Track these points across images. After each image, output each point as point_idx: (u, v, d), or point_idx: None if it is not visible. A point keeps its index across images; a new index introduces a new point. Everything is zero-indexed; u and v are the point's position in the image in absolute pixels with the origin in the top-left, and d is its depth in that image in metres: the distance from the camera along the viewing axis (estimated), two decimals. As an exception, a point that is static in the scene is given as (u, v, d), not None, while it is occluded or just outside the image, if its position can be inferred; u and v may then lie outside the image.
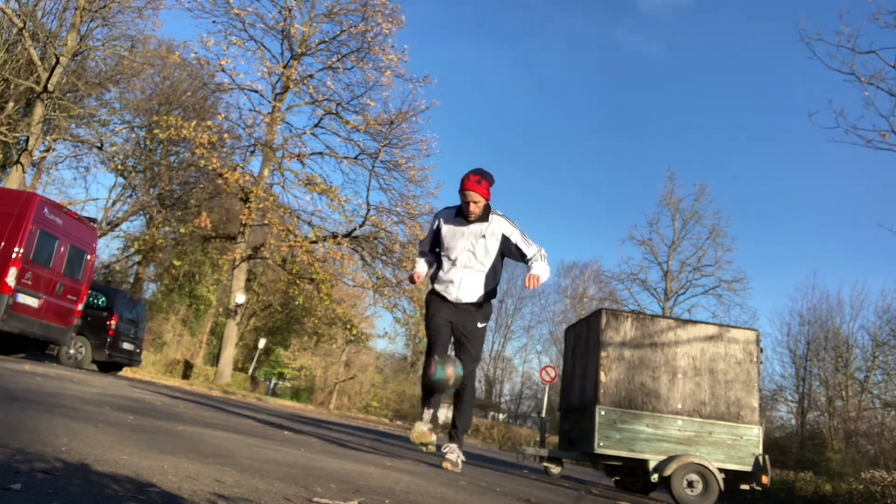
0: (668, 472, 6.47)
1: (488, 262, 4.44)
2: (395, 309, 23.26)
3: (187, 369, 24.99)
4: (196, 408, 5.90)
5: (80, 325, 11.55)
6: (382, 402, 38.13)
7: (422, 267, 4.76)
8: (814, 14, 47.21)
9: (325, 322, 24.71)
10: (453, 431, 4.48)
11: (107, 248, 28.54)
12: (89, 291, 12.06)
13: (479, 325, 4.46)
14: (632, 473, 7.56)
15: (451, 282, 4.43)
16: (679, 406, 6.87)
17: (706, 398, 6.92)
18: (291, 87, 22.39)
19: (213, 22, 24.42)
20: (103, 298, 13.56)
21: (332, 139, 23.14)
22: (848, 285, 67.31)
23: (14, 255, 9.39)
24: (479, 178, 4.31)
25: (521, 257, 4.48)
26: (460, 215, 4.46)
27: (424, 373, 4.28)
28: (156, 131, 20.88)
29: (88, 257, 11.21)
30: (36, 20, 19.10)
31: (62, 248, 10.45)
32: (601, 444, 6.68)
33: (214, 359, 28.10)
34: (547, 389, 23.63)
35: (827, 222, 52.50)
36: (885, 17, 9.37)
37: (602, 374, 6.90)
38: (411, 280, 4.75)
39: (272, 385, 36.85)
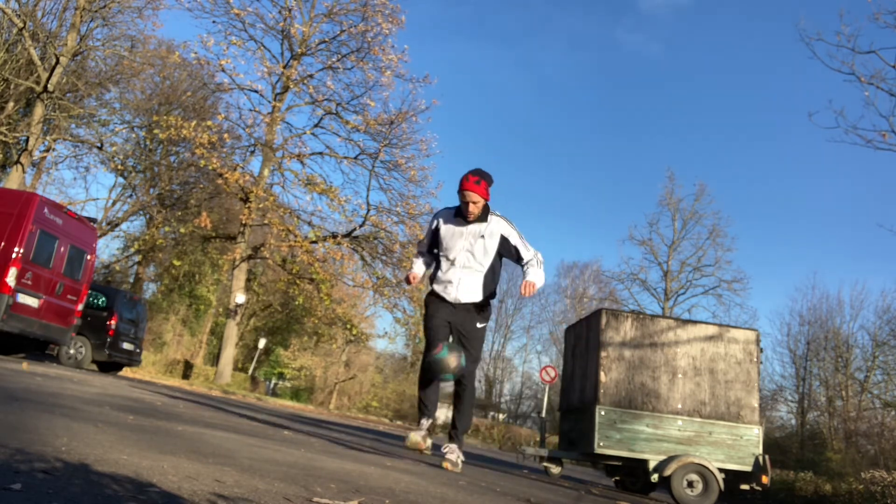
0: (668, 472, 6.47)
1: (487, 262, 4.44)
2: (395, 309, 23.27)
3: (187, 369, 24.99)
4: (196, 408, 5.91)
5: (80, 325, 11.56)
6: (382, 402, 38.14)
7: (418, 268, 4.77)
8: (814, 14, 47.28)
9: (325, 322, 24.72)
10: (453, 432, 4.48)
11: (107, 248, 28.57)
12: (89, 291, 12.06)
13: (479, 325, 4.46)
14: (632, 473, 7.56)
15: (450, 282, 4.43)
16: (679, 406, 6.87)
17: (706, 398, 6.92)
18: (291, 87, 22.38)
19: (213, 22, 24.45)
20: (103, 298, 13.57)
21: (332, 139, 23.17)
22: (848, 285, 67.44)
23: (14, 255, 9.40)
24: (478, 178, 4.31)
25: (518, 260, 4.49)
26: (459, 215, 4.46)
27: (426, 354, 4.28)
28: (156, 131, 20.89)
29: (88, 257, 11.21)
30: (36, 20, 19.10)
31: (62, 248, 10.45)
32: (601, 444, 6.68)
33: (214, 359, 28.10)
34: (547, 389, 23.63)
35: (827, 222, 52.59)
36: (885, 17, 9.38)
37: (602, 374, 6.90)
38: (407, 281, 4.77)
39: (272, 385, 36.84)
